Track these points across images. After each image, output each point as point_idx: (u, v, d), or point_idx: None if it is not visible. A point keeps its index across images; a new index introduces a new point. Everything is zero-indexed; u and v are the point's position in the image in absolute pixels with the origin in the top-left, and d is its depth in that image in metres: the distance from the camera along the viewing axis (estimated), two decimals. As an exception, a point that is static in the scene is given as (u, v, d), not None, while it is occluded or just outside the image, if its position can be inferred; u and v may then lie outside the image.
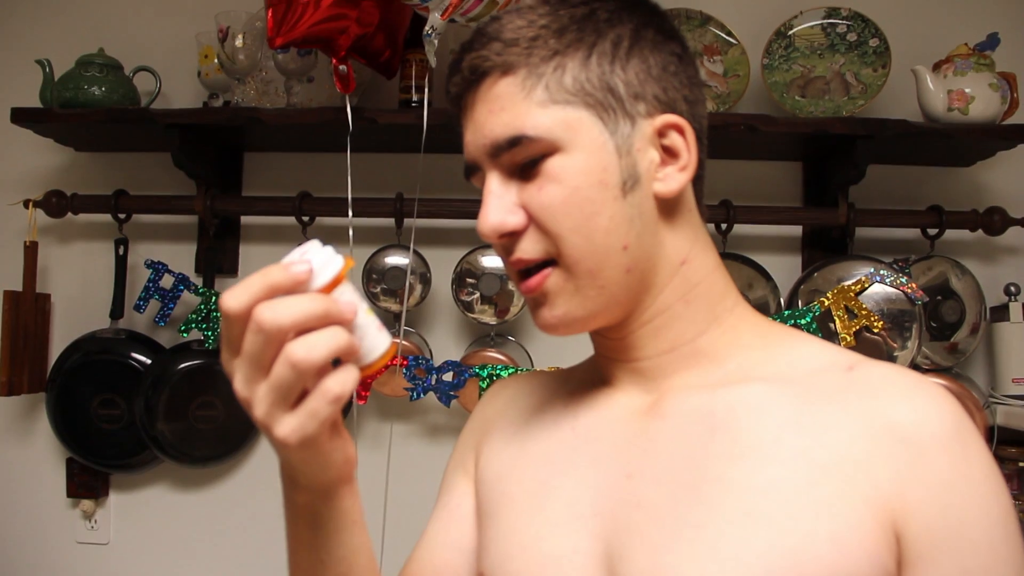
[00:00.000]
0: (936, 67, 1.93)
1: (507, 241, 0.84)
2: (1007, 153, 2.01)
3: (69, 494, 2.16)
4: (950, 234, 2.01)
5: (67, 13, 2.27)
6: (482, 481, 0.98)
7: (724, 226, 1.97)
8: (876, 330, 1.88)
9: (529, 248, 0.83)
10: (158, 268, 2.04)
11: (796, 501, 0.72)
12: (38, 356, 2.12)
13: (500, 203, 0.83)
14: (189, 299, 2.06)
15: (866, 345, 1.89)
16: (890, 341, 1.91)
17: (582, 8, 0.84)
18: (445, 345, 2.15)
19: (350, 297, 0.69)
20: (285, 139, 2.12)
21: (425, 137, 1.80)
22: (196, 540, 2.18)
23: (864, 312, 1.88)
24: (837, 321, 1.89)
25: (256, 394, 0.66)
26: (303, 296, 0.65)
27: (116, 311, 2.11)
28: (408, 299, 1.99)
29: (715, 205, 1.96)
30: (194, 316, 2.01)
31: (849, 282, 1.91)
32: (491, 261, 2.01)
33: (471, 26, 1.72)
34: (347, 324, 0.67)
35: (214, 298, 2.02)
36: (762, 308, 1.98)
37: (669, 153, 0.85)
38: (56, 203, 2.08)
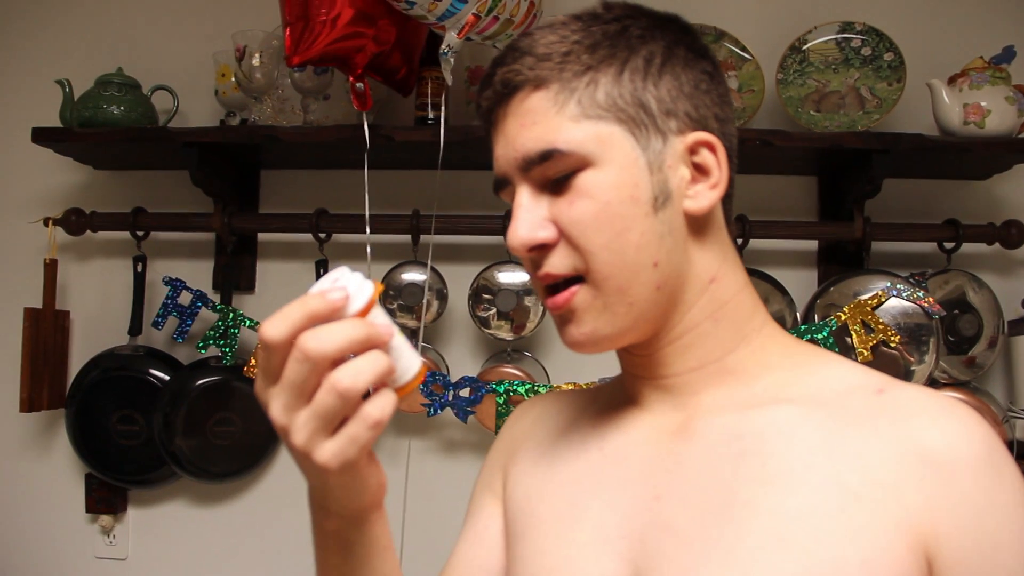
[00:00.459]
0: (951, 81, 1.93)
1: (536, 255, 0.83)
2: (1024, 166, 2.00)
3: (88, 509, 2.17)
4: (967, 248, 2.00)
5: (86, 34, 2.30)
6: (510, 502, 0.97)
7: (740, 241, 1.97)
8: (893, 344, 1.87)
9: (558, 263, 0.82)
10: (176, 285, 2.05)
11: (827, 526, 0.71)
12: (57, 373, 2.14)
13: (530, 217, 0.83)
14: (207, 316, 2.07)
15: (883, 359, 1.89)
16: (907, 355, 1.90)
17: (615, 24, 0.84)
18: (462, 361, 2.15)
19: (384, 320, 0.70)
20: (302, 156, 2.13)
21: (442, 154, 1.81)
22: (214, 555, 2.18)
23: (881, 326, 1.87)
24: (854, 335, 1.88)
25: (296, 421, 0.66)
26: (344, 323, 0.66)
27: (135, 328, 2.13)
28: (425, 315, 1.99)
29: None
30: (212, 333, 2.02)
31: (866, 296, 1.90)
32: (507, 277, 2.01)
33: (487, 45, 1.73)
34: (385, 347, 0.68)
35: (231, 315, 2.03)
36: (778, 322, 1.96)
37: (700, 171, 0.84)
38: (75, 221, 2.09)
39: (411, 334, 2.06)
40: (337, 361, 0.65)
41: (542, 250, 0.83)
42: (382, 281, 2.03)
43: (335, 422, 0.66)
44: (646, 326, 0.84)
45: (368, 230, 1.90)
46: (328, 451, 0.66)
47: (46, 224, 2.11)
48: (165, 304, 2.05)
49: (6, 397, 2.15)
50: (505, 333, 2.02)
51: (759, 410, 0.81)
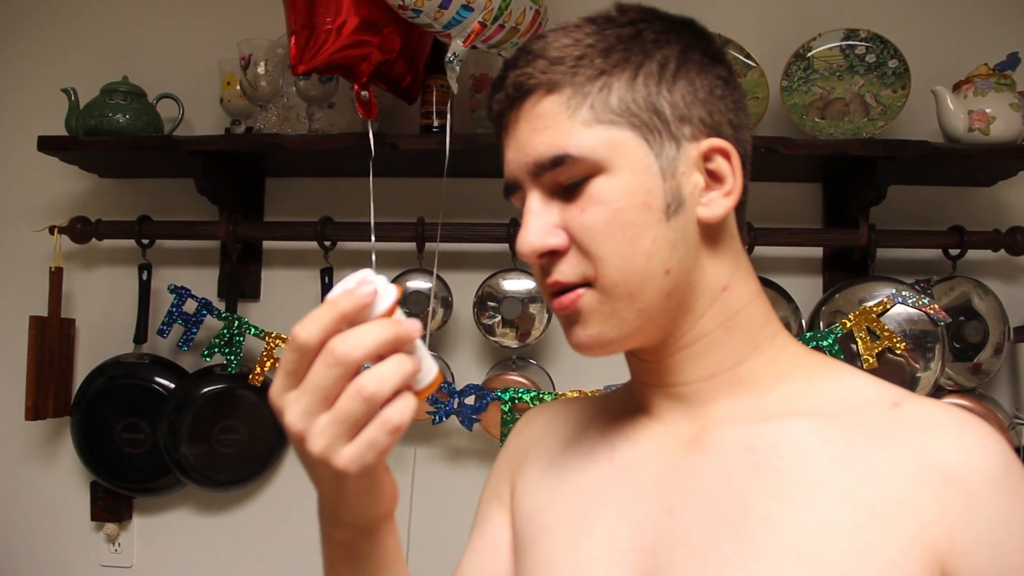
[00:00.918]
0: (956, 87, 1.93)
1: (545, 262, 0.82)
2: (1029, 173, 2.00)
3: (93, 517, 2.17)
4: (972, 254, 2.00)
5: (92, 42, 2.30)
6: (519, 512, 0.96)
7: (745, 248, 1.97)
8: (899, 351, 1.87)
9: (567, 271, 0.81)
10: (181, 293, 2.05)
11: (842, 542, 0.70)
12: (63, 381, 2.14)
13: (541, 223, 0.81)
14: (212, 324, 2.07)
15: (889, 366, 1.89)
16: (913, 362, 1.90)
17: (629, 28, 0.83)
18: (467, 368, 2.15)
19: (411, 321, 0.69)
20: (307, 164, 2.13)
21: (447, 162, 1.81)
22: (219, 563, 2.18)
23: (886, 333, 1.87)
24: (859, 342, 1.88)
25: (316, 426, 0.65)
26: (373, 325, 0.66)
27: (140, 336, 2.13)
28: (430, 323, 1.99)
29: (736, 227, 1.96)
30: (217, 341, 2.03)
31: (871, 303, 1.90)
32: (512, 285, 2.01)
33: (492, 53, 1.73)
34: (409, 349, 0.68)
35: (236, 323, 2.03)
36: (784, 330, 1.97)
37: (714, 177, 0.83)
38: (81, 229, 2.10)
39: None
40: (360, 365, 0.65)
41: (552, 256, 0.82)
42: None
43: (357, 427, 0.66)
44: (655, 331, 0.83)
45: (373, 238, 1.91)
46: (347, 456, 0.65)
47: (52, 232, 2.11)
48: (170, 312, 2.05)
49: (11, 405, 2.16)
50: (510, 341, 2.02)
51: (773, 422, 0.80)
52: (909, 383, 1.89)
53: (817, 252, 2.13)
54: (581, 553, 0.85)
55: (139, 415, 2.11)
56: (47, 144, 2.01)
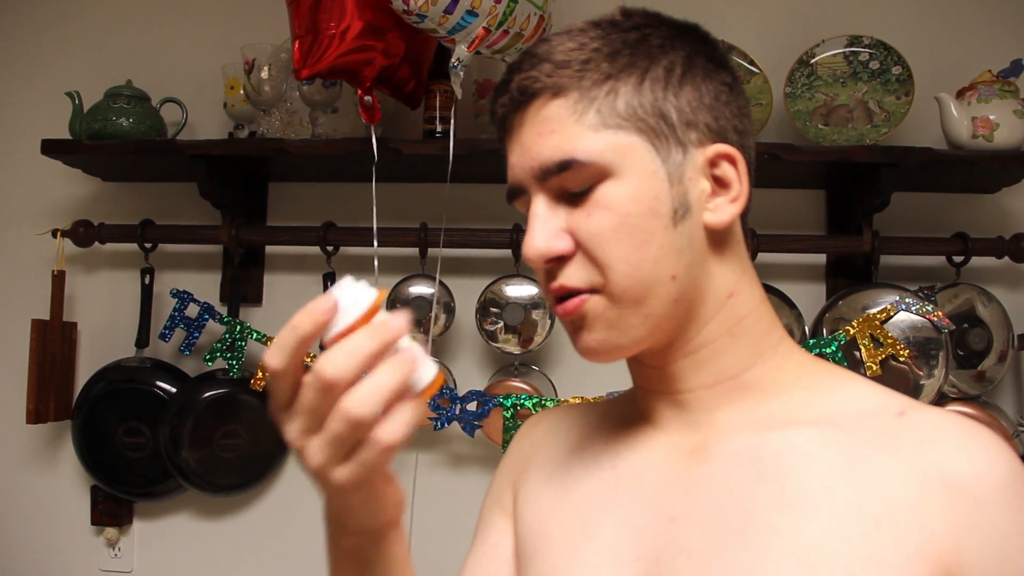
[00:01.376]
0: (960, 94, 1.93)
1: (552, 266, 0.81)
2: (1033, 180, 2.00)
3: (93, 522, 2.17)
4: (976, 261, 2.00)
5: (96, 46, 2.31)
6: (521, 521, 0.95)
7: (748, 254, 1.96)
8: (902, 359, 1.87)
9: (574, 276, 0.80)
10: (183, 297, 2.05)
11: (848, 553, 0.70)
12: (64, 384, 2.14)
13: (546, 227, 0.80)
14: (214, 328, 2.07)
15: (892, 374, 1.88)
16: (916, 369, 1.89)
17: (634, 33, 0.83)
18: (469, 374, 2.15)
19: (393, 323, 0.67)
20: (310, 169, 2.13)
21: (451, 167, 1.81)
22: (219, 568, 2.18)
23: (890, 340, 1.87)
24: (863, 350, 1.88)
25: (311, 446, 0.66)
26: (355, 338, 0.64)
27: (142, 340, 2.13)
28: (432, 328, 1.99)
29: (739, 233, 1.95)
30: (219, 345, 2.02)
31: (874, 310, 1.90)
32: (515, 291, 2.01)
33: (496, 58, 1.73)
34: (403, 350, 0.66)
35: (238, 327, 2.03)
36: (787, 336, 1.97)
37: (720, 183, 0.83)
38: (83, 233, 2.10)
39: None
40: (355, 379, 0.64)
41: (558, 261, 0.81)
42: (390, 294, 2.02)
43: (348, 447, 0.65)
44: (661, 336, 0.83)
45: (376, 243, 1.91)
46: (341, 474, 0.66)
47: (54, 236, 2.11)
48: (172, 316, 2.05)
49: (13, 409, 2.16)
50: (512, 347, 2.01)
51: (777, 431, 0.80)
52: (913, 390, 1.88)
53: (820, 259, 2.13)
54: (583, 562, 0.84)
55: (140, 419, 2.10)
56: (51, 147, 2.01)
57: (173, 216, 2.20)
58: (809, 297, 2.08)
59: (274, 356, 0.65)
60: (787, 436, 0.79)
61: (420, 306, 2.01)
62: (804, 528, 0.72)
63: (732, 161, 0.83)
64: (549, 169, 0.80)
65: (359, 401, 0.63)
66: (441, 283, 2.00)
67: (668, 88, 0.81)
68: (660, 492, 0.83)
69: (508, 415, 1.92)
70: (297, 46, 1.70)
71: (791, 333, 1.95)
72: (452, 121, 1.87)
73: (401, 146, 1.93)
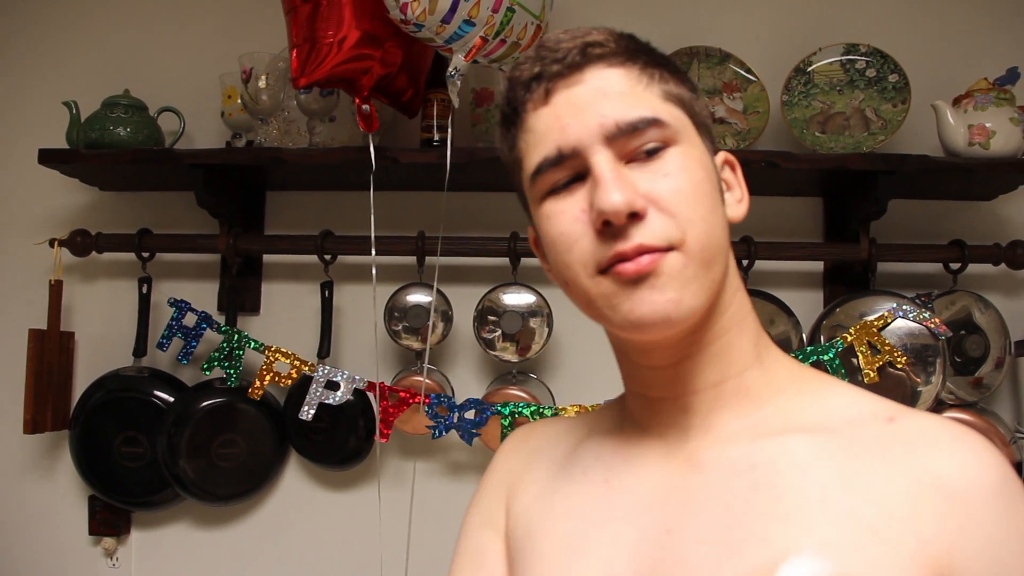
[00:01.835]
0: (956, 102, 1.93)
1: (622, 226, 0.76)
2: (1029, 187, 2.01)
3: (91, 531, 2.16)
4: (973, 268, 2.00)
5: (93, 55, 2.31)
6: (512, 538, 0.93)
7: (745, 262, 1.97)
8: (899, 366, 1.87)
9: (655, 233, 0.76)
10: (181, 306, 2.05)
11: (844, 561, 0.70)
12: (62, 394, 2.13)
13: (623, 183, 0.76)
14: (212, 337, 2.06)
15: (890, 381, 1.88)
16: (914, 376, 1.89)
17: (641, 42, 0.86)
18: (467, 383, 2.14)
19: None
20: (307, 178, 2.14)
21: (448, 176, 1.81)
22: (217, 578, 2.17)
23: (887, 348, 1.87)
24: (860, 357, 1.88)
25: None
26: None
27: (139, 349, 2.12)
28: (430, 337, 1.99)
29: (736, 241, 1.96)
30: (216, 354, 2.02)
31: (871, 317, 1.90)
32: (513, 299, 2.01)
33: (493, 67, 1.74)
34: None
35: (236, 336, 2.03)
36: (784, 344, 1.98)
37: (726, 185, 0.88)
38: (81, 242, 2.10)
39: (416, 355, 2.06)
40: None
41: (631, 219, 0.76)
42: (388, 302, 2.03)
43: None
44: (704, 312, 0.81)
45: (374, 252, 1.90)
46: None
47: (52, 245, 2.11)
48: (170, 325, 2.05)
49: (10, 419, 2.15)
50: (510, 355, 2.01)
51: (771, 440, 0.80)
52: (910, 397, 1.88)
53: (818, 266, 2.13)
54: None
55: (138, 429, 2.10)
56: (48, 157, 2.01)
57: (171, 225, 2.19)
58: (807, 304, 2.08)
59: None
60: (781, 444, 0.79)
61: (418, 314, 2.01)
62: (800, 538, 0.72)
63: (734, 168, 0.89)
64: (633, 125, 0.78)
65: None
66: (439, 291, 2.00)
67: (693, 92, 0.86)
68: (655, 504, 0.82)
69: (506, 423, 1.91)
70: (295, 55, 1.70)
71: (789, 340, 1.97)
72: (450, 130, 1.87)
73: (399, 155, 1.93)
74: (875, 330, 1.88)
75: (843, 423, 0.79)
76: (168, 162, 1.99)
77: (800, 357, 1.90)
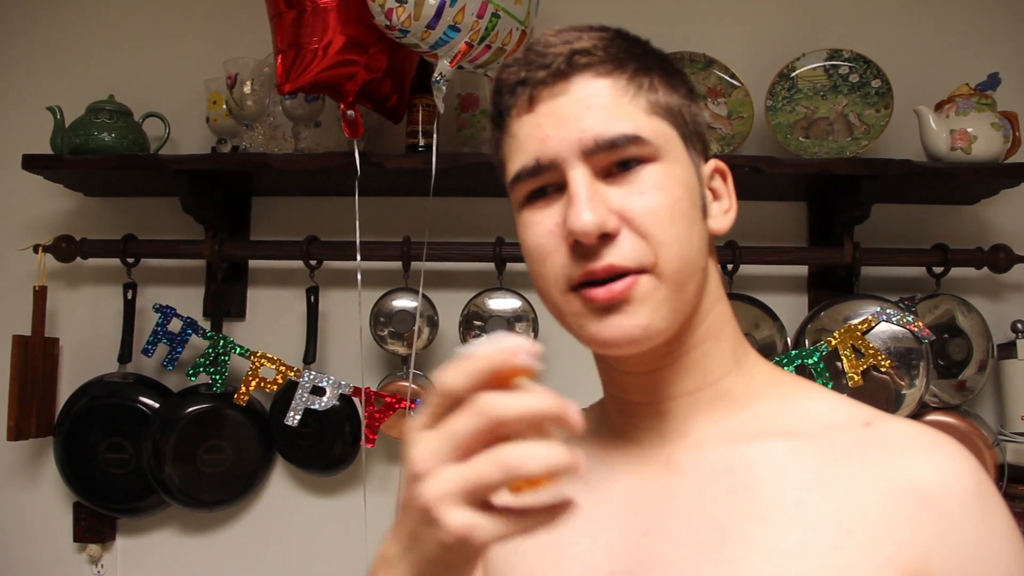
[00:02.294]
0: (938, 107, 1.95)
1: (593, 246, 0.76)
2: (1010, 191, 2.02)
3: (76, 538, 2.15)
4: (956, 272, 2.02)
5: (78, 61, 2.30)
6: (492, 552, 0.91)
7: (730, 267, 1.98)
8: (883, 369, 1.88)
9: (626, 254, 0.76)
10: (166, 312, 2.04)
11: (821, 564, 0.70)
12: (46, 400, 2.12)
13: (596, 202, 0.76)
14: (197, 343, 2.06)
15: (874, 384, 1.89)
16: (898, 379, 1.90)
17: (638, 44, 0.85)
18: (453, 387, 2.14)
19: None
20: (293, 183, 2.13)
21: (433, 181, 1.81)
22: (203, 585, 2.17)
23: (871, 351, 1.88)
24: (844, 360, 1.89)
25: (440, 473, 0.57)
26: (534, 394, 0.59)
27: (124, 355, 2.11)
28: (416, 342, 1.99)
29: (721, 246, 1.97)
30: (202, 360, 2.02)
31: (856, 321, 1.91)
32: (498, 304, 2.01)
33: (479, 73, 1.74)
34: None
35: (222, 342, 2.03)
36: (769, 348, 1.98)
37: (714, 195, 0.87)
38: (65, 248, 2.09)
39: (402, 361, 2.06)
40: (499, 434, 0.57)
41: (603, 239, 0.76)
42: (373, 308, 2.02)
43: (477, 495, 0.56)
44: (678, 328, 0.81)
45: (359, 257, 1.90)
46: (457, 518, 0.56)
47: (36, 251, 2.10)
48: (155, 331, 2.04)
49: (-6, 425, 2.14)
50: (496, 359, 2.01)
51: (749, 444, 0.80)
52: (894, 400, 1.89)
53: (802, 270, 2.14)
54: None
55: (123, 435, 2.09)
56: (32, 162, 2.00)
57: (156, 231, 2.19)
58: (791, 308, 2.09)
59: (455, 375, 0.58)
60: (758, 448, 0.79)
61: (403, 320, 2.01)
62: (777, 541, 0.73)
63: (724, 176, 0.88)
64: (608, 142, 0.77)
65: (522, 453, 0.55)
66: (424, 296, 2.00)
67: (687, 98, 0.85)
68: (632, 506, 0.83)
69: (492, 428, 1.91)
70: (280, 60, 1.71)
71: (774, 344, 1.97)
72: (435, 135, 1.88)
73: (384, 160, 1.93)
74: (859, 334, 1.89)
75: (820, 428, 0.79)
76: (153, 168, 1.98)
77: (785, 361, 1.90)
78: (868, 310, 1.93)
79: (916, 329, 1.90)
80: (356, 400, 2.02)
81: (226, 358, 2.02)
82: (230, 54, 2.00)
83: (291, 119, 2.01)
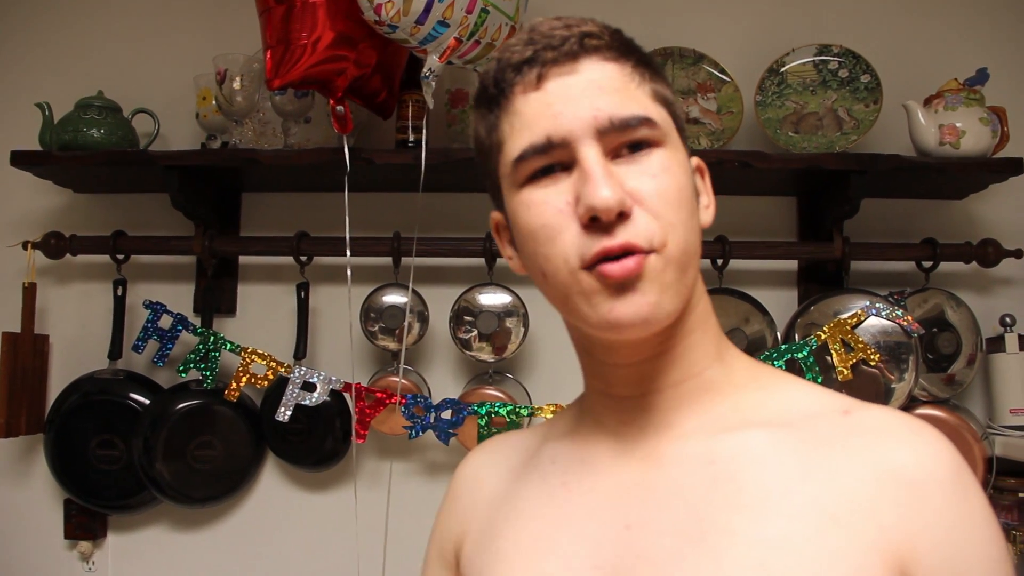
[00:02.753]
0: (927, 102, 1.95)
1: (610, 223, 0.75)
2: (999, 186, 2.03)
3: (67, 535, 2.15)
4: (945, 266, 2.02)
5: (67, 57, 2.29)
6: (466, 555, 0.94)
7: (720, 261, 1.98)
8: (873, 363, 1.89)
9: (642, 233, 0.75)
10: (156, 308, 2.04)
11: (806, 551, 0.70)
12: (36, 397, 2.12)
13: (613, 180, 0.75)
14: (187, 339, 2.05)
15: (863, 378, 1.90)
16: (887, 373, 1.91)
17: (624, 36, 0.85)
18: (443, 383, 2.15)
19: None
20: (283, 179, 2.13)
21: (423, 177, 1.81)
22: (195, 581, 2.16)
23: (861, 345, 1.88)
24: (834, 354, 1.89)
25: None
26: None
27: (114, 352, 2.11)
28: (406, 337, 1.99)
29: (711, 241, 1.97)
30: (192, 356, 2.01)
31: (845, 315, 1.92)
32: (488, 299, 2.02)
33: (468, 68, 1.74)
34: None
35: (212, 338, 2.02)
36: (759, 343, 1.99)
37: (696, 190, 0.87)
38: (55, 244, 2.08)
39: (392, 356, 2.06)
40: None
41: (619, 218, 0.75)
42: (364, 303, 2.03)
43: None
44: (677, 314, 0.81)
45: (349, 253, 1.90)
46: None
47: (25, 248, 2.10)
48: (145, 327, 2.04)
49: (-16, 422, 2.13)
50: (486, 355, 2.02)
51: (730, 434, 0.81)
52: (884, 394, 1.90)
53: (792, 265, 2.15)
54: None
55: (114, 431, 2.09)
56: (21, 159, 1.99)
57: (145, 227, 2.18)
58: (781, 303, 2.10)
59: None
60: (740, 438, 0.80)
61: (394, 315, 2.01)
62: (763, 529, 0.73)
63: (703, 174, 0.89)
64: (625, 122, 0.77)
65: None
66: (414, 292, 2.00)
67: (674, 94, 0.86)
68: (614, 500, 0.83)
69: (483, 423, 1.92)
70: (269, 56, 1.70)
71: (764, 338, 1.98)
72: (424, 131, 1.88)
73: (373, 156, 1.93)
74: (849, 328, 1.90)
75: (800, 417, 0.80)
76: (143, 164, 1.98)
77: (775, 355, 1.91)
78: (858, 304, 1.93)
79: (905, 323, 1.90)
80: (347, 396, 2.02)
81: (216, 354, 2.02)
82: (219, 50, 2.00)
83: (281, 115, 2.01)
